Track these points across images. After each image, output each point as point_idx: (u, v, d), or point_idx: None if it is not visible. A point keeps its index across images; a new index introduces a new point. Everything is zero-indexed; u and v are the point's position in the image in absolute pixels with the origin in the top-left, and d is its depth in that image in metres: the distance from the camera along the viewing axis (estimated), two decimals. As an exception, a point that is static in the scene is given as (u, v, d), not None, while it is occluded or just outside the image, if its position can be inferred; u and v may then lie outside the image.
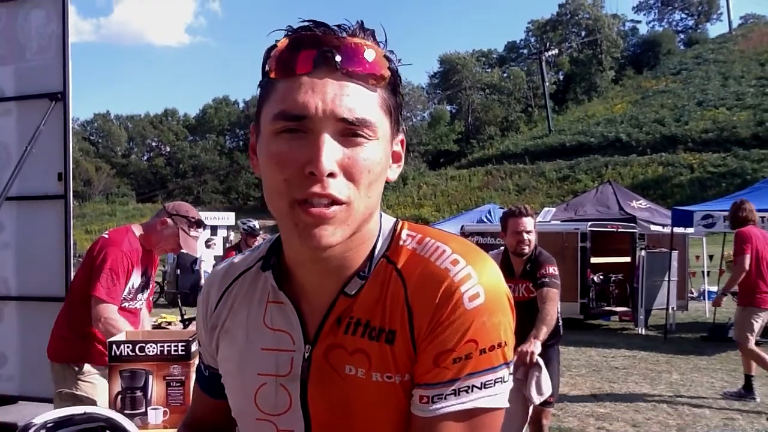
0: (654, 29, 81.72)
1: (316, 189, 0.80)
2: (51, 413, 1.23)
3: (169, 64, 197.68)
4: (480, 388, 0.86)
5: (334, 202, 0.82)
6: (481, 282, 0.87)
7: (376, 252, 0.92)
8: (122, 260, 3.14)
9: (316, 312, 0.93)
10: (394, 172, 0.93)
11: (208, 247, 16.11)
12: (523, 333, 4.39)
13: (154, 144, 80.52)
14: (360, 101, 0.83)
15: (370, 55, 0.84)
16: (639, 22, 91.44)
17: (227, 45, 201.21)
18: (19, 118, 4.22)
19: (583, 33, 74.08)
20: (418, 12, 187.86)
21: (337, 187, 0.81)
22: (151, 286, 3.50)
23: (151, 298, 3.65)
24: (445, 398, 0.86)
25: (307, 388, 0.93)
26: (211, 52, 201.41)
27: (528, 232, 4.11)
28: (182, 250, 3.47)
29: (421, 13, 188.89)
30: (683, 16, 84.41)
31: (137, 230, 3.33)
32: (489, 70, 75.66)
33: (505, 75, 73.01)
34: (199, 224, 3.39)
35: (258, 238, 7.12)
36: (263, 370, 0.96)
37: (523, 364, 3.89)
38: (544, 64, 59.55)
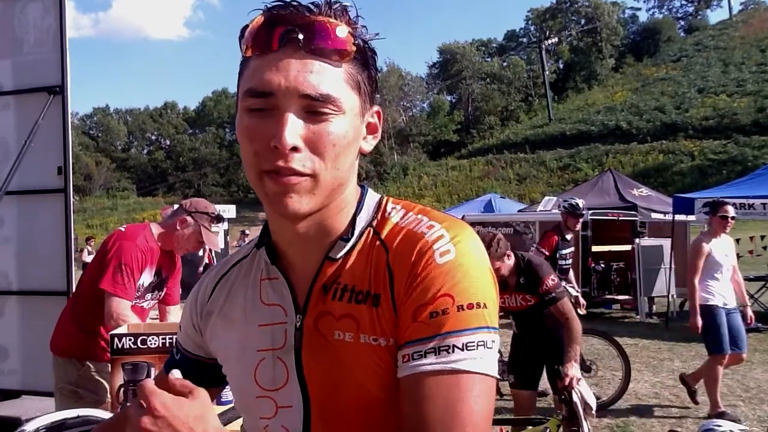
0: (654, 16, 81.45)
1: (280, 162, 0.85)
2: (43, 418, 1.22)
3: (168, 57, 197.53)
4: (462, 350, 0.84)
5: (298, 174, 0.86)
6: (453, 242, 0.89)
7: (359, 221, 0.95)
8: (137, 255, 3.06)
9: (304, 282, 0.96)
10: (369, 144, 0.96)
11: None
12: (528, 336, 4.45)
13: (153, 137, 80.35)
14: (324, 77, 0.86)
15: (334, 31, 0.86)
16: (639, 9, 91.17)
17: (226, 38, 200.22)
18: (17, 112, 4.20)
19: (583, 21, 73.76)
20: (417, 1, 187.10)
21: (301, 160, 0.85)
22: (165, 288, 3.41)
23: (179, 300, 3.56)
24: (425, 355, 0.85)
25: (301, 359, 0.94)
26: (210, 45, 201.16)
27: (498, 270, 4.13)
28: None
29: (420, 2, 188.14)
30: (683, 2, 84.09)
31: (155, 229, 3.26)
32: (488, 59, 75.35)
33: (504, 64, 72.74)
34: (219, 219, 3.36)
35: (580, 221, 6.74)
36: (261, 346, 0.98)
37: (568, 387, 3.95)
38: (543, 52, 59.37)
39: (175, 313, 3.56)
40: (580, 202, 6.72)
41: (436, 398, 0.83)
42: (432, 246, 0.88)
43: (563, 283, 6.29)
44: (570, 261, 6.86)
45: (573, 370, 3.98)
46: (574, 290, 6.62)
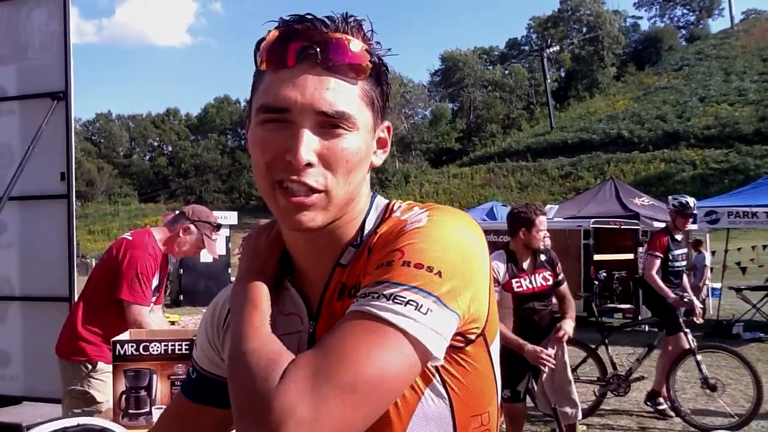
0: (655, 25, 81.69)
1: (294, 177, 0.85)
2: (41, 427, 1.21)
3: (171, 64, 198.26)
4: (387, 299, 0.79)
5: (312, 190, 0.86)
6: (428, 215, 0.88)
7: (368, 225, 0.96)
8: (150, 264, 3.20)
9: (317, 289, 0.96)
10: (379, 158, 0.97)
11: None
12: (534, 324, 4.39)
13: (155, 144, 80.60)
14: (340, 95, 0.86)
15: (351, 48, 0.87)
16: (640, 18, 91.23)
17: (228, 45, 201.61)
18: (21, 117, 4.20)
19: (585, 29, 73.93)
20: (419, 9, 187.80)
21: (314, 176, 0.86)
22: (162, 288, 3.52)
23: (162, 299, 3.71)
24: (357, 299, 0.82)
25: None
26: (213, 52, 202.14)
27: (539, 225, 4.42)
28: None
29: (423, 10, 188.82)
30: (685, 11, 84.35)
31: (158, 234, 3.37)
32: (490, 67, 75.52)
33: (506, 72, 72.90)
34: (219, 227, 3.54)
35: (690, 220, 6.29)
36: None
37: (561, 337, 4.28)
38: (545, 60, 59.51)
39: (158, 312, 3.63)
40: (691, 201, 6.18)
41: (339, 331, 0.79)
42: (408, 221, 0.88)
43: (679, 290, 6.06)
44: (684, 263, 6.35)
45: (567, 325, 4.31)
46: (694, 298, 6.06)
